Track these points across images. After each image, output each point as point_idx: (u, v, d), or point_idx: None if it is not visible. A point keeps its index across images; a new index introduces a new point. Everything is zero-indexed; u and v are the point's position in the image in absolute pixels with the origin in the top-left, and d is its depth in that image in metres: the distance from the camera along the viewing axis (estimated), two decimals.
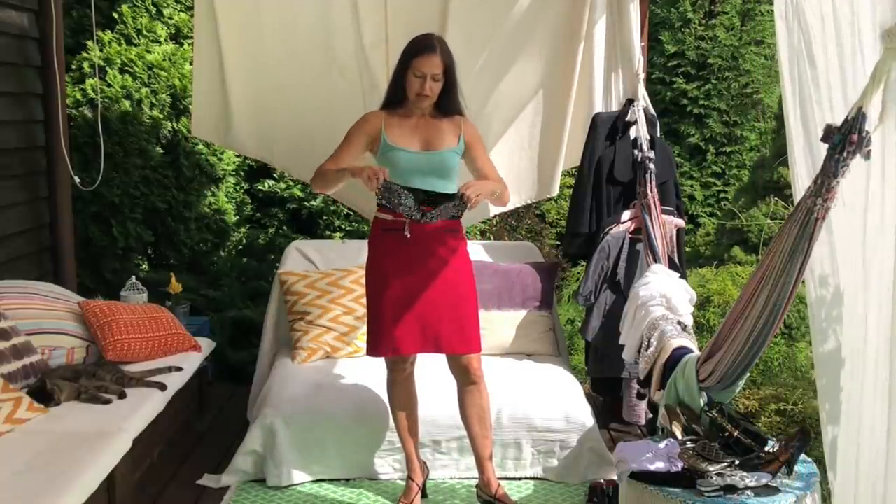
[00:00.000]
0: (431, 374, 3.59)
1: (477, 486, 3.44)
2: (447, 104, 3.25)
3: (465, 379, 3.31)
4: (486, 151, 3.43)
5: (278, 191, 6.45)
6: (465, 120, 3.32)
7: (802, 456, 2.59)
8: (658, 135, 4.11)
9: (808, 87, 1.98)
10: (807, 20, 1.97)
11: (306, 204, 6.42)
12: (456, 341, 3.24)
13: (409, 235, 3.16)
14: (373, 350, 3.30)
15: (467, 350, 3.26)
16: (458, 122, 3.29)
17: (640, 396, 4.00)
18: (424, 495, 3.50)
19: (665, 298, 3.34)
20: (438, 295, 3.21)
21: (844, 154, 1.87)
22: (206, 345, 4.15)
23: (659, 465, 2.65)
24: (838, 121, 1.93)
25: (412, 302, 3.20)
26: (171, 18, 5.96)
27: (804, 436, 2.50)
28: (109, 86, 5.62)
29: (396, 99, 3.25)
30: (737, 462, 2.59)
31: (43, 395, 3.19)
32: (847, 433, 1.98)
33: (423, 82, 3.13)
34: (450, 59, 3.18)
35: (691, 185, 7.25)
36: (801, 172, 2.02)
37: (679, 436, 2.74)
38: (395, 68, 3.24)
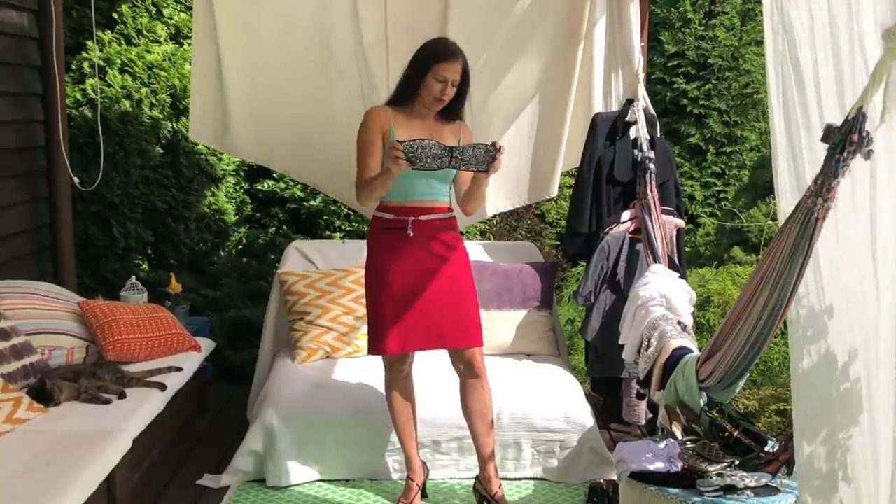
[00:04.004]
0: (431, 373, 3.59)
1: (476, 478, 3.44)
2: (455, 110, 3.26)
3: (469, 373, 3.32)
4: None
5: (278, 191, 6.45)
6: (464, 125, 3.33)
7: None
8: (658, 135, 4.11)
9: (791, 90, 1.99)
10: (791, 23, 1.98)
11: (306, 204, 6.42)
12: (459, 336, 3.25)
13: (411, 234, 3.17)
14: (375, 349, 3.30)
15: (471, 344, 3.28)
16: (457, 127, 3.30)
17: (640, 396, 4.00)
18: (424, 495, 3.50)
19: (665, 298, 3.34)
20: (440, 291, 3.22)
21: (845, 154, 1.88)
22: (206, 345, 4.15)
23: (659, 465, 2.66)
24: (817, 125, 1.95)
25: (415, 299, 3.21)
26: (171, 18, 5.96)
27: None
28: (109, 86, 5.62)
29: (405, 98, 3.23)
30: (737, 462, 2.60)
31: (43, 395, 3.19)
32: (826, 455, 1.99)
33: (444, 87, 3.13)
34: (468, 67, 3.19)
35: (691, 185, 7.26)
36: (783, 175, 2.02)
37: (679, 436, 2.74)
38: (412, 69, 3.20)
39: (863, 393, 1.95)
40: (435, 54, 3.15)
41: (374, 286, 3.29)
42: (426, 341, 3.25)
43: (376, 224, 3.30)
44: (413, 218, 3.19)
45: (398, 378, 3.39)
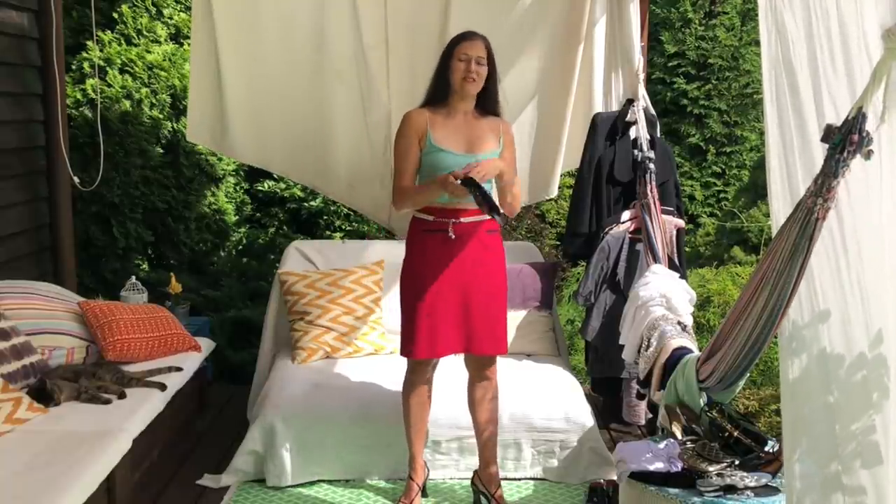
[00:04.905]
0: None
1: (475, 472, 3.45)
2: (488, 101, 3.25)
3: (481, 375, 3.33)
4: (515, 155, 3.39)
5: (278, 191, 6.45)
6: (503, 121, 3.31)
7: None
8: (658, 135, 4.11)
9: (784, 92, 1.99)
10: (784, 24, 1.99)
11: (306, 204, 6.42)
12: (488, 342, 3.25)
13: (453, 236, 3.16)
14: (408, 351, 3.28)
15: (498, 351, 3.29)
16: (497, 123, 3.28)
17: (640, 396, 4.00)
18: (424, 495, 3.50)
19: (665, 298, 3.34)
20: (476, 295, 3.21)
21: (845, 154, 1.88)
22: (206, 345, 4.15)
23: (659, 465, 2.66)
24: (813, 129, 1.95)
25: (450, 304, 3.20)
26: (171, 18, 5.96)
27: None
28: (109, 86, 5.63)
29: (439, 96, 3.22)
30: (737, 462, 2.60)
31: (43, 395, 3.19)
32: (811, 464, 2.01)
33: (468, 65, 3.13)
34: (492, 51, 3.20)
35: (691, 185, 7.25)
36: (776, 177, 2.03)
37: (679, 436, 2.74)
38: (438, 64, 3.23)
39: (892, 376, 1.95)
40: (453, 40, 3.21)
41: (411, 289, 3.26)
42: (455, 345, 3.24)
43: (417, 226, 3.26)
44: (454, 220, 3.17)
45: (420, 380, 3.36)
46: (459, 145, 3.18)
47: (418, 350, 3.23)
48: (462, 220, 3.18)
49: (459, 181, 2.99)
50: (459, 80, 3.15)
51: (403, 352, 3.31)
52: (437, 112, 3.22)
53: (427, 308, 3.20)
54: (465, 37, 3.19)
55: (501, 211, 3.04)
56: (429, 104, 3.25)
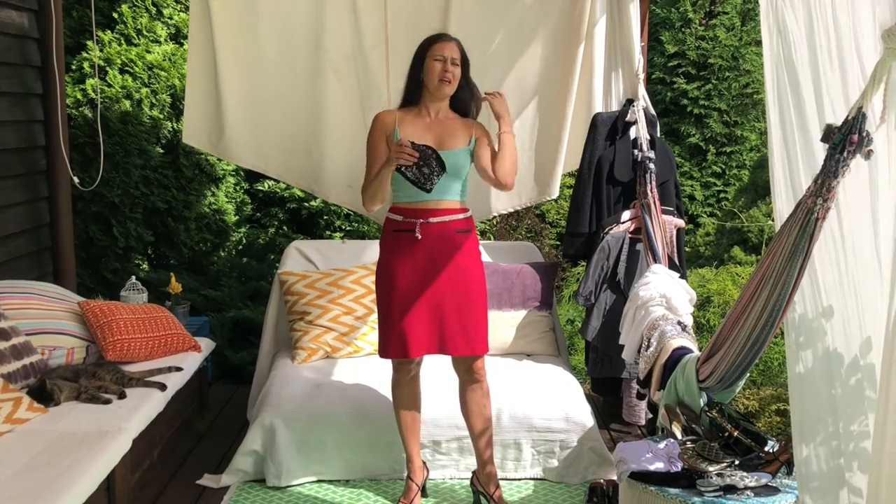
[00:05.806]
0: (431, 374, 3.58)
1: (473, 473, 3.45)
2: (461, 103, 3.27)
3: (468, 378, 3.32)
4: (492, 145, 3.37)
5: (278, 191, 6.45)
6: (478, 123, 3.32)
7: None
8: (658, 135, 4.12)
9: (785, 91, 2.00)
10: (785, 24, 2.00)
11: (306, 204, 6.42)
12: (463, 343, 3.22)
13: (419, 236, 3.16)
14: (382, 351, 3.30)
15: (472, 352, 3.25)
16: (469, 123, 3.29)
17: (640, 396, 4.00)
18: (424, 495, 3.50)
19: (665, 298, 3.34)
20: (447, 296, 3.20)
21: (845, 154, 1.88)
22: (206, 345, 4.15)
23: (659, 465, 2.66)
24: (814, 127, 1.96)
25: (420, 304, 3.19)
26: (171, 18, 5.96)
27: None
28: (109, 86, 5.63)
29: (413, 98, 3.26)
30: (737, 462, 2.60)
31: (43, 395, 3.19)
32: (820, 454, 2.01)
33: (444, 65, 3.15)
34: (465, 53, 3.23)
35: (691, 185, 7.26)
36: (779, 175, 2.03)
37: (679, 436, 2.74)
38: (411, 65, 3.25)
39: (877, 388, 1.95)
40: (426, 42, 3.23)
41: (382, 289, 3.27)
42: (429, 347, 3.23)
43: (387, 226, 3.28)
44: (422, 220, 3.17)
45: (405, 379, 3.37)
46: (425, 141, 3.18)
47: (391, 350, 3.24)
48: (430, 220, 3.18)
49: (411, 149, 3.03)
50: (435, 80, 3.17)
51: (379, 352, 3.31)
52: (408, 112, 3.26)
53: (398, 307, 3.20)
54: (439, 38, 3.21)
55: (430, 186, 3.10)
56: (404, 106, 3.29)
